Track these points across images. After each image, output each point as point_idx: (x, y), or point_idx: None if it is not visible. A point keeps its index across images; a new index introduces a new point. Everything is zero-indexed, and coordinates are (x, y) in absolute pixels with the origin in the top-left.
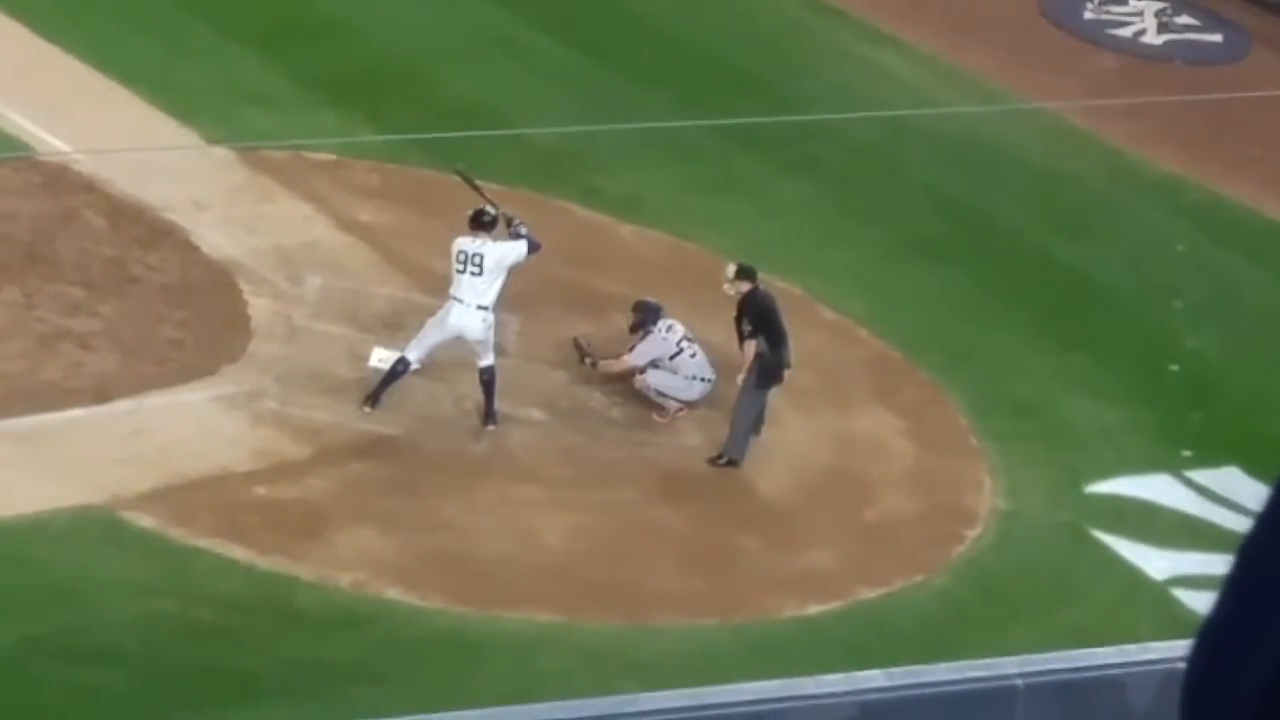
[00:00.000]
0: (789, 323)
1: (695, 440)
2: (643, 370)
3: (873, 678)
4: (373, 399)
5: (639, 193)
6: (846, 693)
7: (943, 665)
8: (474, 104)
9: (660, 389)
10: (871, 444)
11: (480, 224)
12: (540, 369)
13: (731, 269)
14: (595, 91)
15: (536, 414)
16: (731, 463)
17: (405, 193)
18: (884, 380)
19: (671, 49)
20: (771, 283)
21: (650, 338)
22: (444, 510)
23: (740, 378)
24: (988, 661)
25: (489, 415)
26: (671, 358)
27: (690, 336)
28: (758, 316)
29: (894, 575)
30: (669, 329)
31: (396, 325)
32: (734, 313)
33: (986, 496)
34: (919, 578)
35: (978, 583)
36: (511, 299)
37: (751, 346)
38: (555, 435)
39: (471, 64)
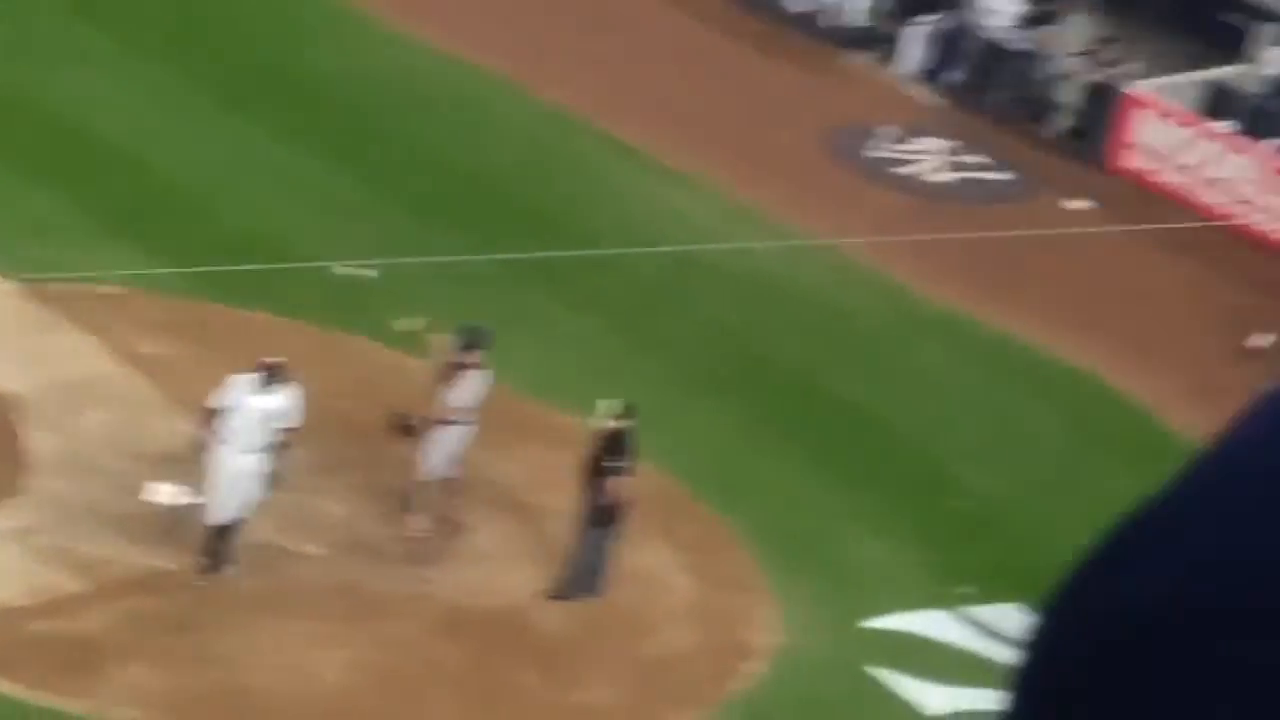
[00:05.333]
0: (571, 458)
1: (475, 574)
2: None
3: None
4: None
5: (428, 328)
6: None
7: None
8: (261, 237)
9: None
10: (650, 578)
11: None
12: (319, 502)
13: (607, 403)
14: (385, 226)
15: (313, 549)
16: (564, 597)
17: (191, 327)
18: (666, 514)
19: (458, 184)
20: (552, 415)
21: (476, 375)
22: (221, 646)
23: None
24: None
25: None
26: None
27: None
28: (620, 452)
29: (669, 711)
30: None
31: (178, 460)
32: (594, 447)
33: (766, 632)
34: (694, 713)
35: (753, 718)
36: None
37: (620, 484)
38: (332, 570)
39: (260, 198)
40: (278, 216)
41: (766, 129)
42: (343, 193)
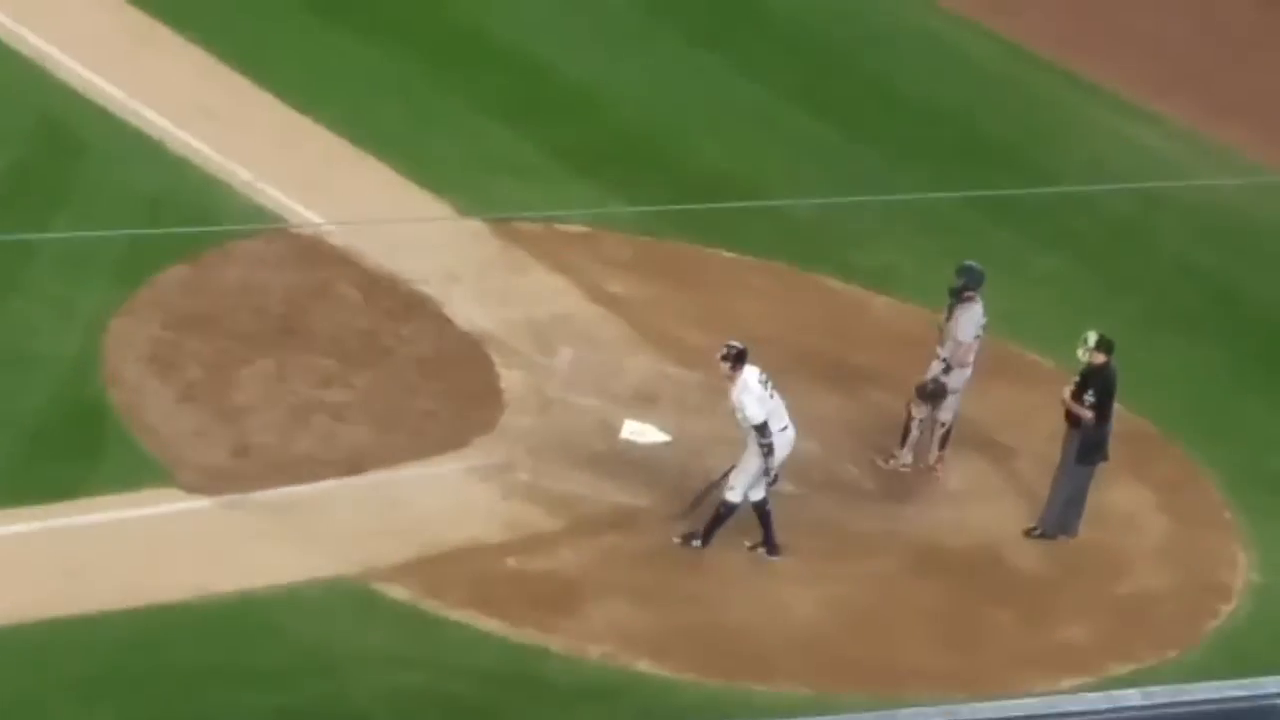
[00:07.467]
0: (1042, 397)
1: (949, 512)
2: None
3: (1129, 696)
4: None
5: (893, 265)
6: (1106, 710)
7: (1202, 685)
8: (727, 176)
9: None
10: (1125, 518)
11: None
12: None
13: (1093, 336)
14: (848, 164)
15: (788, 486)
16: (1044, 535)
17: (657, 265)
18: (1138, 454)
19: (923, 122)
20: (1022, 354)
21: (973, 308)
22: (695, 582)
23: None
24: (1248, 681)
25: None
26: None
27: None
28: (1104, 390)
29: (1147, 650)
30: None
31: (649, 398)
32: (1075, 379)
33: (1241, 571)
34: (1172, 653)
35: (1233, 658)
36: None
37: (1089, 412)
38: (807, 507)
39: (724, 136)
40: (741, 155)
41: (1234, 65)
42: (806, 130)
